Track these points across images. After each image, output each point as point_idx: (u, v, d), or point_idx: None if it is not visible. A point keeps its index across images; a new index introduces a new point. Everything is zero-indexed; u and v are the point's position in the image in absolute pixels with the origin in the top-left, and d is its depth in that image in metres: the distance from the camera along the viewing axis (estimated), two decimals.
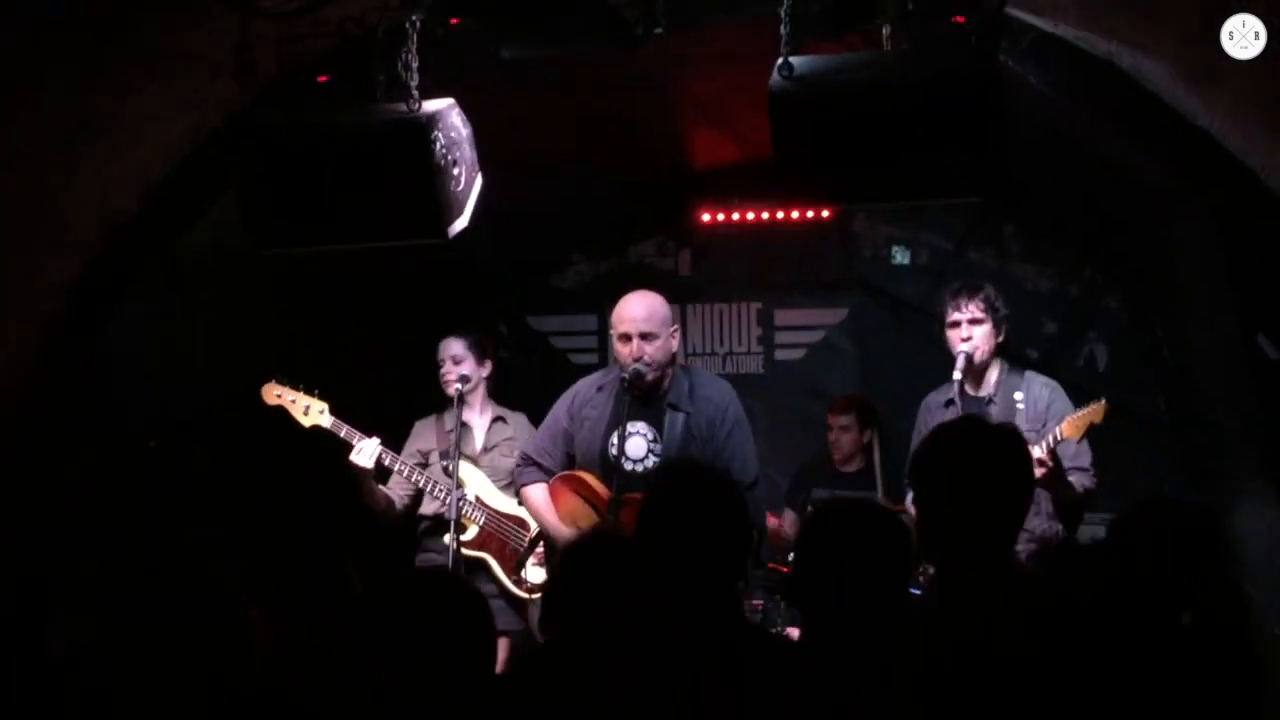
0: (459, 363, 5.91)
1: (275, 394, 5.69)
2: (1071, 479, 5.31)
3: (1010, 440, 3.15)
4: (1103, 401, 5.42)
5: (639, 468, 5.17)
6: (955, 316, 5.63)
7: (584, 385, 5.51)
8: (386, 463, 5.70)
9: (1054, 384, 5.70)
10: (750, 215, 7.94)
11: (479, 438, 6.02)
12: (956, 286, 5.79)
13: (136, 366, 5.36)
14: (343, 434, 5.65)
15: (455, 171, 4.31)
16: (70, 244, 4.58)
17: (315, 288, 6.02)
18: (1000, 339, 5.67)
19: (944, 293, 5.87)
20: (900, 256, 7.97)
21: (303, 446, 5.73)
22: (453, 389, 5.84)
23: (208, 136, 4.50)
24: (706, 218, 7.98)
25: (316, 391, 5.68)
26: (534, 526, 5.68)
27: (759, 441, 5.50)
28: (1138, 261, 6.87)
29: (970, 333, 5.60)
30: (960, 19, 4.09)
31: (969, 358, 5.55)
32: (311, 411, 5.65)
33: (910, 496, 5.93)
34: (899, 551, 3.03)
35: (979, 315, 5.60)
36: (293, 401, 5.66)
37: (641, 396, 5.18)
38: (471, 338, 6.00)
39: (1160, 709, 2.88)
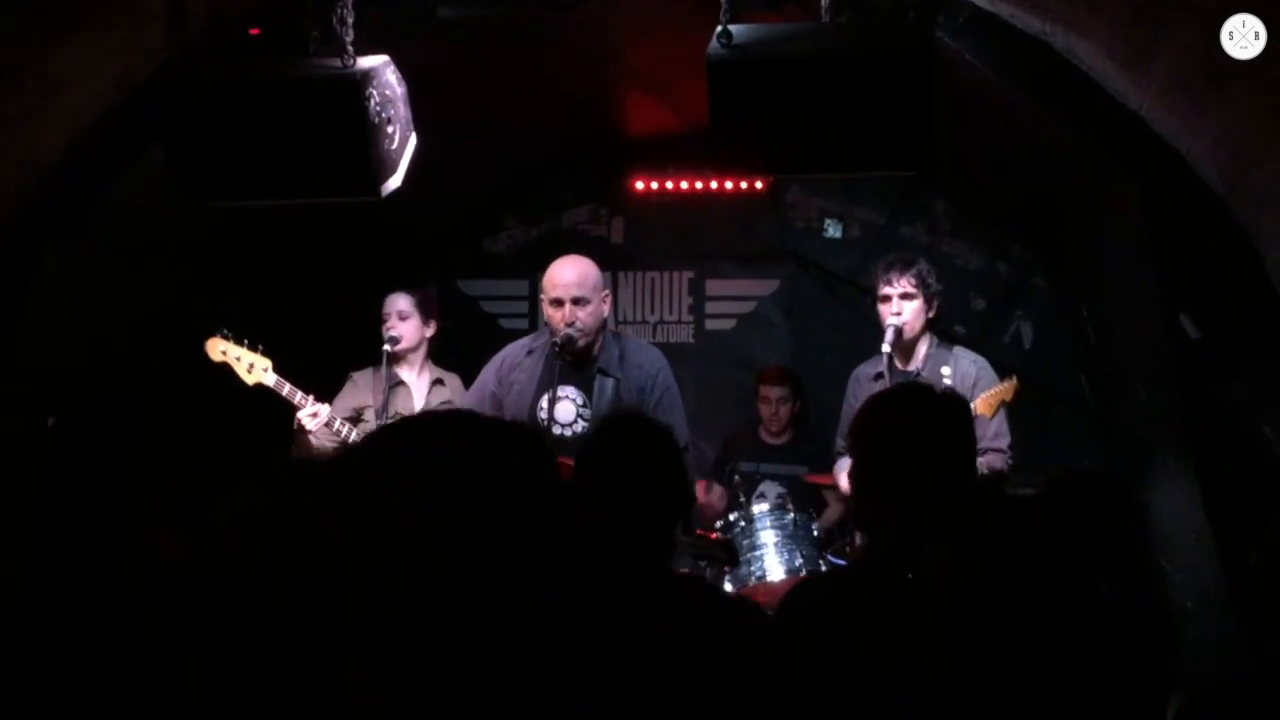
0: (404, 319, 5.85)
1: (220, 349, 5.59)
2: (985, 459, 5.39)
3: (954, 404, 3.19)
4: (1014, 380, 5.57)
5: (568, 432, 5.18)
6: (886, 290, 5.71)
7: (512, 349, 5.50)
8: (334, 428, 5.64)
9: (982, 360, 5.80)
10: (684, 184, 7.95)
11: (418, 399, 5.97)
12: (890, 260, 5.85)
13: (63, 319, 5.27)
14: (285, 393, 5.57)
15: (389, 130, 4.28)
16: None
17: (250, 242, 5.94)
18: (931, 315, 5.75)
19: (877, 265, 5.92)
20: (832, 230, 8.01)
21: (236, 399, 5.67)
22: (402, 345, 5.80)
23: (136, 86, 4.42)
24: (640, 186, 7.98)
25: (260, 348, 5.60)
26: None
27: (688, 411, 5.52)
28: (1065, 241, 6.95)
29: (900, 307, 5.68)
30: None
31: (898, 331, 5.64)
32: (255, 370, 5.56)
33: (838, 466, 6.03)
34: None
35: (910, 290, 5.68)
36: (237, 359, 5.57)
37: (572, 362, 5.18)
38: (418, 295, 5.93)
39: (1078, 679, 2.93)
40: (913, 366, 5.75)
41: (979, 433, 5.22)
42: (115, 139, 4.59)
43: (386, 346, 5.75)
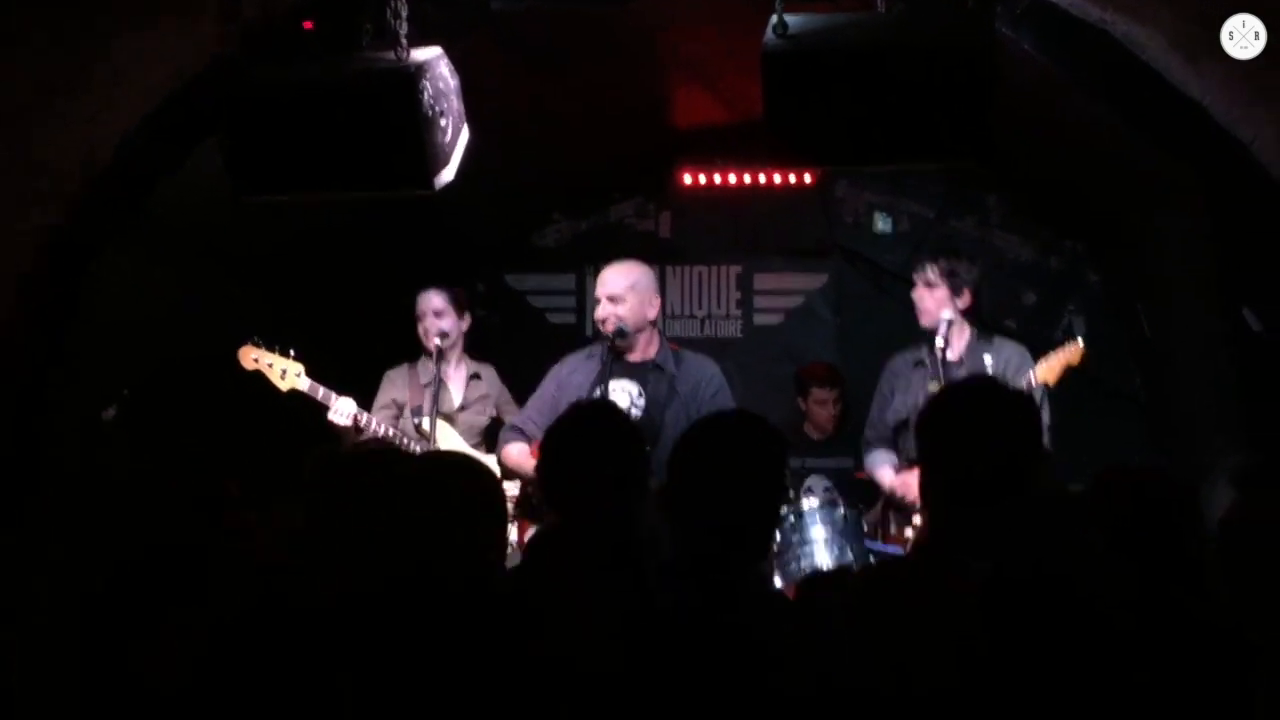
0: (440, 316, 5.85)
1: (252, 357, 5.62)
2: None
3: (1023, 402, 3.17)
4: (1079, 342, 5.46)
5: None
6: (915, 279, 5.74)
7: (572, 356, 5.59)
8: (362, 423, 5.65)
9: (1023, 349, 5.77)
10: (732, 178, 7.90)
11: (455, 394, 5.98)
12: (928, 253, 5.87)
13: (110, 320, 5.29)
14: (319, 396, 5.60)
15: (443, 123, 4.26)
16: (51, 194, 4.50)
17: (291, 243, 5.95)
18: (963, 304, 5.69)
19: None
20: (881, 224, 7.95)
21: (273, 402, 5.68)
22: (433, 342, 5.80)
23: (189, 82, 4.42)
24: (688, 180, 7.93)
25: (292, 353, 5.62)
26: (508, 488, 5.68)
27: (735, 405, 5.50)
28: (1120, 234, 6.87)
29: (920, 295, 5.74)
30: None
31: (949, 324, 5.62)
32: (289, 375, 5.59)
33: (873, 461, 5.99)
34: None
35: (933, 279, 5.68)
36: (270, 365, 5.59)
37: (628, 361, 5.30)
38: (451, 291, 5.94)
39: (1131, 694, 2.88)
40: (952, 356, 5.71)
41: None
42: (167, 136, 4.60)
43: (437, 341, 5.76)
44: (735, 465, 3.09)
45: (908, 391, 5.86)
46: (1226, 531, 3.08)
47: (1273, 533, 3.03)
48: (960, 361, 5.66)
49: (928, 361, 5.69)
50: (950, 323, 5.62)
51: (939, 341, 5.58)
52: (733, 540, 3.05)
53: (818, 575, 5.43)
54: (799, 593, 4.41)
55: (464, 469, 3.01)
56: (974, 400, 3.14)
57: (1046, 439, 5.46)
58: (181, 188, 4.82)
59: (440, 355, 5.79)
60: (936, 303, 5.68)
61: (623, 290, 5.28)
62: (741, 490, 3.07)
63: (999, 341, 5.83)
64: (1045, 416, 5.54)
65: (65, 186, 4.41)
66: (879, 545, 6.11)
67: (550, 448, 3.50)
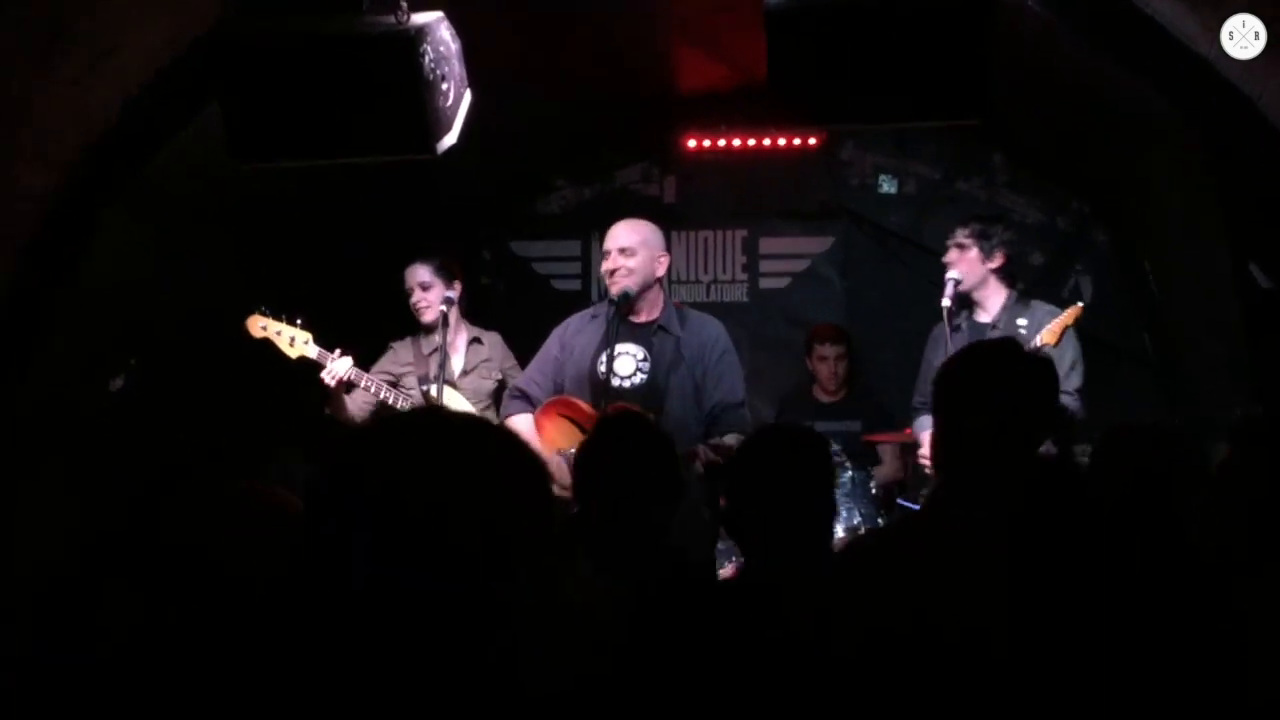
0: (427, 289, 5.87)
1: (260, 326, 5.66)
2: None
3: (1040, 363, 3.18)
4: (1078, 305, 5.55)
5: (626, 384, 5.21)
6: (947, 243, 5.76)
7: (576, 317, 5.59)
8: (352, 379, 5.66)
9: (1060, 312, 5.76)
10: (737, 142, 7.85)
11: (458, 361, 5.98)
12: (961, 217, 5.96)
13: (111, 284, 5.28)
14: (328, 363, 5.61)
15: (444, 86, 4.24)
16: (48, 156, 4.48)
17: (293, 210, 5.93)
18: (993, 265, 5.74)
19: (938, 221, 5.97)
20: (887, 185, 7.91)
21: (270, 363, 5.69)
22: (433, 314, 5.83)
23: (189, 45, 4.39)
24: (692, 144, 7.89)
25: (299, 321, 5.64)
26: None
27: (743, 369, 5.50)
28: (1126, 192, 6.84)
29: (954, 257, 5.78)
30: None
31: (956, 283, 5.68)
32: (297, 343, 5.62)
33: (919, 424, 5.99)
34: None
35: (965, 242, 5.76)
36: (278, 334, 5.63)
37: (632, 321, 5.27)
38: (435, 261, 5.93)
39: (1150, 636, 2.88)
40: (985, 319, 5.76)
41: None
42: (167, 100, 4.57)
43: (442, 308, 5.81)
44: (793, 490, 3.15)
45: (949, 354, 5.89)
46: (1215, 486, 3.11)
47: (1258, 487, 3.05)
48: (995, 324, 5.71)
49: (949, 327, 5.75)
50: (955, 282, 5.67)
51: (944, 301, 5.63)
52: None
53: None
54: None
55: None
56: (987, 359, 3.16)
57: (1078, 403, 5.49)
58: (177, 151, 4.80)
59: (445, 321, 5.79)
60: (971, 263, 5.72)
61: (635, 243, 5.27)
62: (801, 511, 3.14)
63: (1035, 304, 5.88)
64: (1076, 379, 5.57)
65: (63, 153, 4.38)
66: (912, 505, 6.17)
67: (584, 465, 3.62)
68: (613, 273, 5.24)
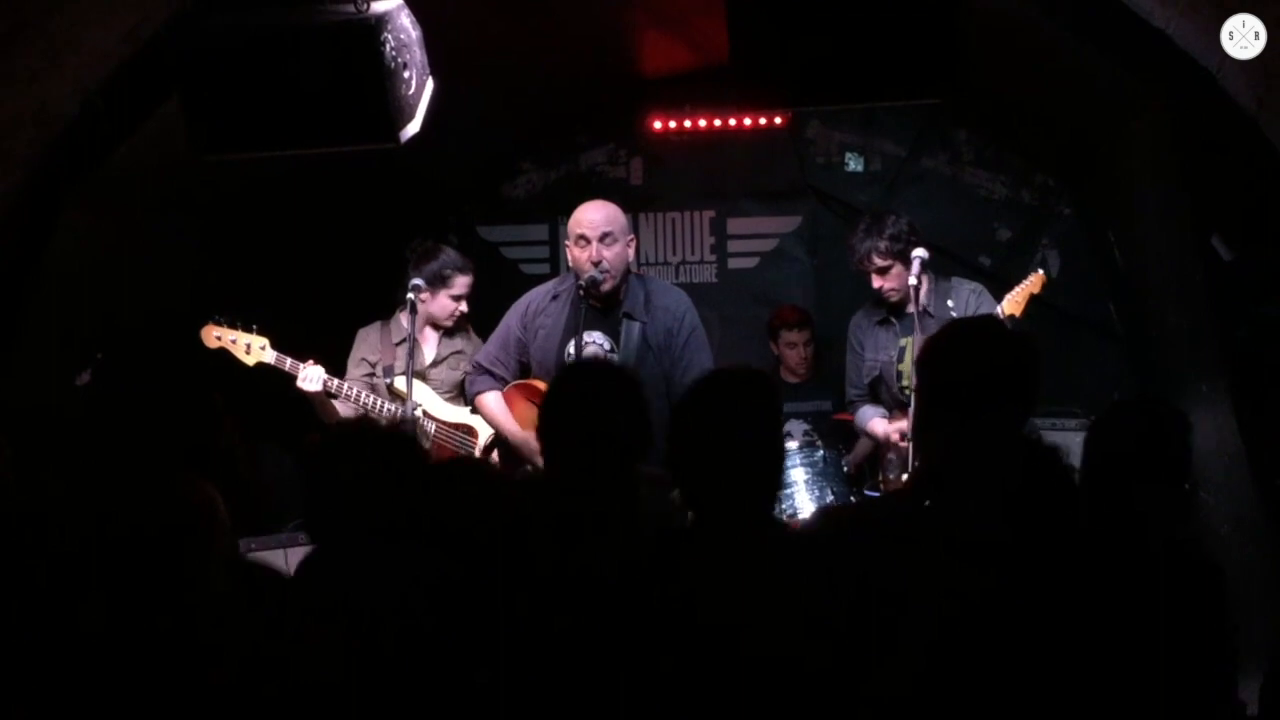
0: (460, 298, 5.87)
1: (215, 335, 5.63)
2: None
3: (1022, 344, 3.20)
4: (1040, 272, 5.57)
5: None
6: (866, 268, 5.74)
7: (536, 294, 5.48)
8: (333, 388, 5.63)
9: (980, 287, 5.83)
10: (702, 123, 7.84)
11: (429, 351, 5.94)
12: (855, 239, 5.78)
13: (73, 281, 5.24)
14: (287, 367, 5.60)
15: (406, 75, 4.23)
16: (7, 153, 4.45)
17: (258, 200, 5.90)
18: (918, 270, 5.61)
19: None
20: (854, 163, 7.92)
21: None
22: (454, 319, 5.87)
23: (147, 39, 4.36)
24: (658, 125, 7.88)
25: (255, 327, 5.61)
26: (483, 434, 5.69)
27: (712, 350, 5.48)
28: (1091, 166, 6.86)
29: (882, 282, 5.73)
30: None
31: (915, 288, 5.61)
32: (253, 349, 5.60)
33: (863, 415, 6.00)
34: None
35: (882, 263, 5.68)
36: (233, 341, 5.61)
37: (598, 306, 5.18)
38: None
39: (1129, 616, 2.92)
40: (914, 310, 5.66)
41: None
42: (127, 95, 4.54)
43: (463, 308, 5.85)
44: (737, 428, 3.02)
45: (878, 349, 5.90)
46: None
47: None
48: (925, 310, 5.64)
49: (894, 320, 5.77)
50: (916, 287, 5.59)
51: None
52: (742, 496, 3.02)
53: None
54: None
55: None
56: (970, 333, 3.19)
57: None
58: (136, 142, 4.76)
59: (413, 308, 5.70)
60: (898, 276, 5.67)
61: (617, 230, 5.13)
62: (747, 451, 3.02)
63: (956, 282, 5.84)
64: None
65: (21, 146, 4.35)
66: (871, 494, 6.16)
67: (552, 409, 3.41)
68: (598, 262, 5.05)
